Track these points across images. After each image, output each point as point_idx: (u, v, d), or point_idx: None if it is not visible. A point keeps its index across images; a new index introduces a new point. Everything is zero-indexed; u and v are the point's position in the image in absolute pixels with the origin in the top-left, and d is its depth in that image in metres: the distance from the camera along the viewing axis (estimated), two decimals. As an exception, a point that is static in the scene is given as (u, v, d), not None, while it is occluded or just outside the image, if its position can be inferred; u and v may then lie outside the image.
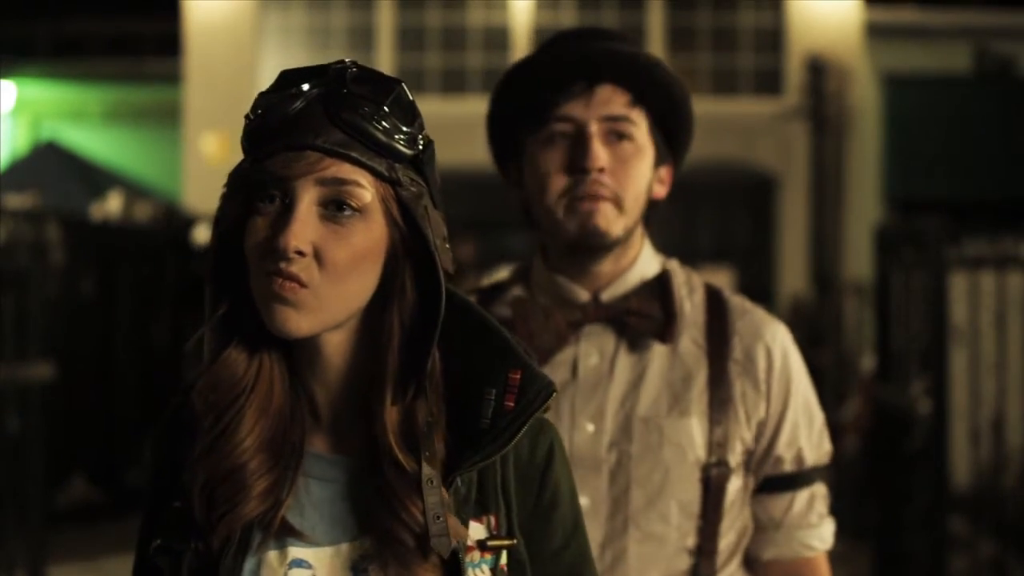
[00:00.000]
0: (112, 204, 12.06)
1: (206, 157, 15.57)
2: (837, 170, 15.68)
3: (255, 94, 1.53)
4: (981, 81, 15.92)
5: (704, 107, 15.42)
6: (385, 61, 15.79)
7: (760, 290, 15.56)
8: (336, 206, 1.44)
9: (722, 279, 15.56)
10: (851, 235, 15.15)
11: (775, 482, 2.16)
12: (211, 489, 1.48)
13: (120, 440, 10.91)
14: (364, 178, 1.45)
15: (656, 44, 15.75)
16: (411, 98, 1.51)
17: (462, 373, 1.53)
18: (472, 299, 2.10)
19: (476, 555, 1.49)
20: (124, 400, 11.07)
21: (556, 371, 2.12)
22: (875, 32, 15.64)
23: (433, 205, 1.52)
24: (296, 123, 1.44)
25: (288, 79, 1.48)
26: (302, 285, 1.43)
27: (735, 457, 2.13)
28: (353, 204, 1.45)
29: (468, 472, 1.49)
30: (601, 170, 2.10)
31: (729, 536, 2.15)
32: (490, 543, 1.50)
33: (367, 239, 1.46)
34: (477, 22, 15.84)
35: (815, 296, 15.01)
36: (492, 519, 1.51)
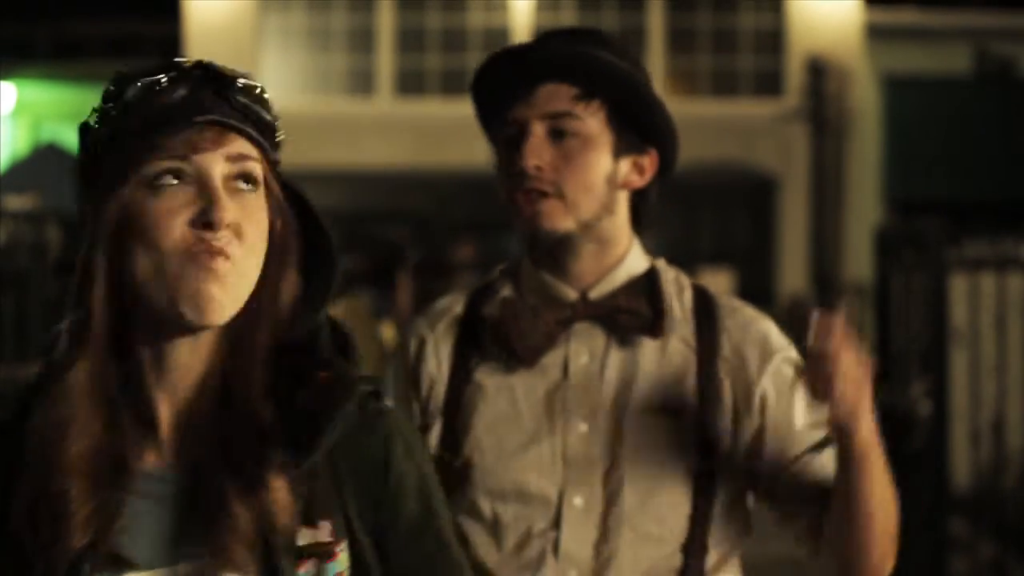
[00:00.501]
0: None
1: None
2: (837, 171, 15.71)
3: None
4: (981, 82, 15.94)
5: (704, 108, 15.55)
6: (385, 62, 15.82)
7: (760, 291, 15.57)
8: (242, 181, 1.44)
9: (722, 280, 15.56)
10: (851, 236, 15.17)
11: (810, 450, 2.16)
12: (32, 516, 1.39)
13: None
14: (256, 154, 1.46)
15: (656, 45, 15.79)
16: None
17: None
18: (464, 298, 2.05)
19: (308, 566, 1.43)
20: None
21: (547, 371, 2.13)
22: (875, 33, 15.66)
23: None
24: (192, 102, 1.43)
25: (150, 70, 1.46)
26: (226, 258, 1.41)
27: (727, 455, 2.13)
28: (255, 178, 1.45)
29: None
30: (538, 168, 2.12)
31: (722, 536, 2.15)
32: (304, 547, 1.43)
33: (264, 215, 1.46)
34: (477, 23, 15.85)
35: (815, 297, 15.04)
36: (328, 524, 1.45)
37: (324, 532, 1.45)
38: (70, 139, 17.27)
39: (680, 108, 13.48)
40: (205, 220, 1.39)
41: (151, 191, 1.42)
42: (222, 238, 1.40)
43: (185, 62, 1.47)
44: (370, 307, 6.08)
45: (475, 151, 17.72)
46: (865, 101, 15.81)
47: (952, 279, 6.66)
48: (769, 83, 15.86)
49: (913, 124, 15.69)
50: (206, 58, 1.51)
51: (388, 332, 6.17)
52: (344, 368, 1.49)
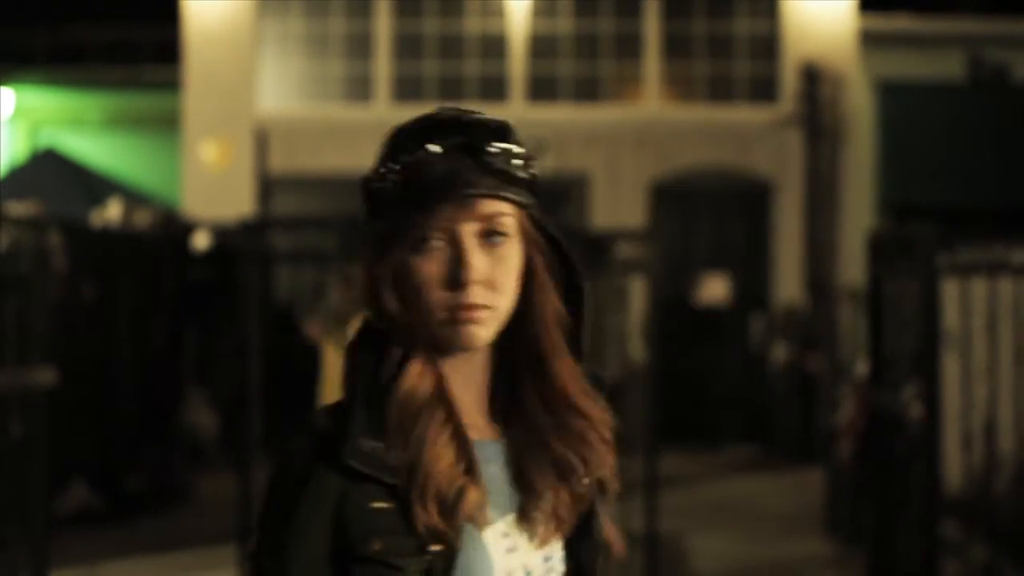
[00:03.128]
0: (112, 211, 12.11)
1: (205, 164, 15.64)
2: (832, 177, 15.75)
3: (254, 101, 1.69)
4: (975, 88, 15.99)
5: (700, 114, 15.64)
6: (383, 69, 15.86)
7: (756, 296, 15.64)
8: (491, 235, 1.73)
9: (718, 285, 15.64)
10: (846, 241, 15.21)
11: None
12: (428, 488, 1.69)
13: (119, 446, 10.96)
14: (509, 209, 1.74)
15: (652, 52, 15.83)
16: (514, 129, 1.78)
17: None
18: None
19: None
20: (123, 405, 11.11)
21: None
22: (869, 40, 15.72)
23: None
24: (451, 179, 1.70)
25: (418, 138, 1.73)
26: (483, 308, 1.73)
27: None
28: (503, 231, 1.74)
29: None
30: None
31: None
32: None
33: (516, 257, 1.76)
34: (474, 30, 15.89)
35: (810, 302, 15.10)
36: None
37: None
38: (69, 144, 17.25)
39: (676, 114, 13.67)
40: (455, 281, 1.71)
41: (419, 253, 1.73)
42: (473, 294, 1.72)
43: (446, 128, 1.74)
44: None
45: (472, 157, 17.80)
46: (859, 107, 15.86)
47: (943, 284, 6.72)
48: (764, 89, 15.89)
49: (907, 130, 15.72)
50: (447, 107, 1.79)
51: None
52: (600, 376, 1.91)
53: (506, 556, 1.75)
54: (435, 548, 1.69)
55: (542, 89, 15.87)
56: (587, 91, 15.95)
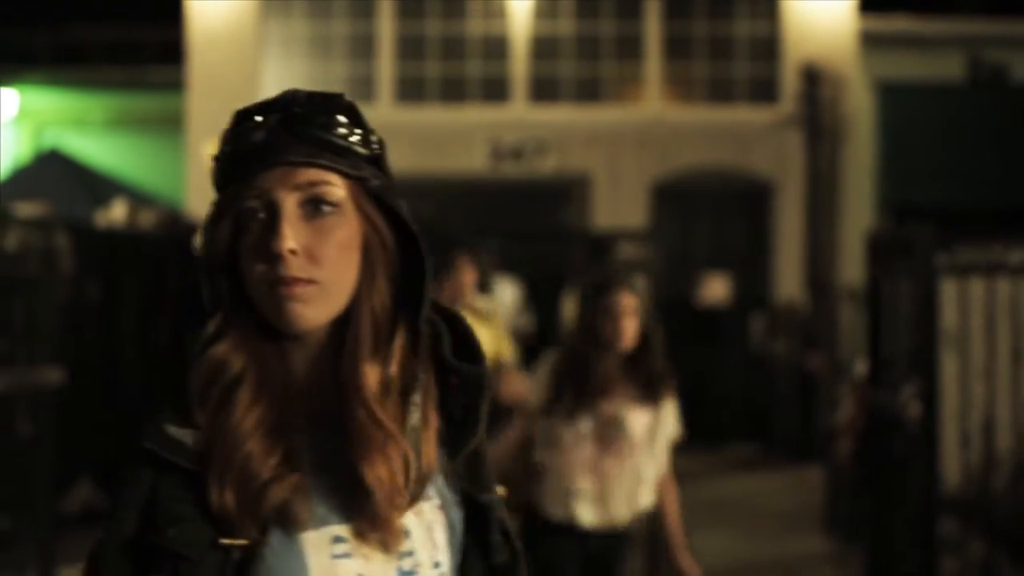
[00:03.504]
0: (117, 212, 12.17)
1: (209, 165, 15.69)
2: (832, 177, 15.79)
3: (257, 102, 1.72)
4: (974, 89, 16.04)
5: (701, 115, 15.68)
6: (385, 70, 15.90)
7: (756, 296, 15.69)
8: (314, 206, 1.63)
9: (719, 285, 15.68)
10: (846, 241, 15.24)
11: None
12: (228, 472, 1.59)
13: (123, 445, 10.99)
14: (333, 178, 1.64)
15: (653, 53, 15.86)
16: (355, 106, 1.70)
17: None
18: None
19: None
20: (127, 405, 11.16)
21: None
22: (869, 41, 15.76)
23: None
24: (266, 147, 1.64)
25: (243, 115, 1.68)
26: (305, 282, 1.61)
27: None
28: (329, 200, 1.64)
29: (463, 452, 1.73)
30: None
31: None
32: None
33: (346, 231, 1.65)
34: (476, 31, 15.93)
35: (810, 301, 15.13)
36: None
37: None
38: (72, 145, 17.17)
39: (677, 115, 13.75)
40: (267, 251, 1.62)
41: (240, 227, 1.66)
42: (292, 266, 1.61)
43: (273, 102, 1.68)
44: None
45: (473, 158, 17.88)
46: (859, 107, 15.91)
47: (942, 284, 6.76)
48: (765, 90, 15.93)
49: (907, 130, 15.76)
50: (291, 89, 1.72)
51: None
52: (469, 371, 1.73)
53: (332, 562, 1.61)
54: (231, 542, 1.58)
55: (544, 90, 15.90)
56: (588, 92, 15.98)
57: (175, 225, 12.91)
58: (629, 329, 5.01)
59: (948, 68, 15.99)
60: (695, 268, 15.74)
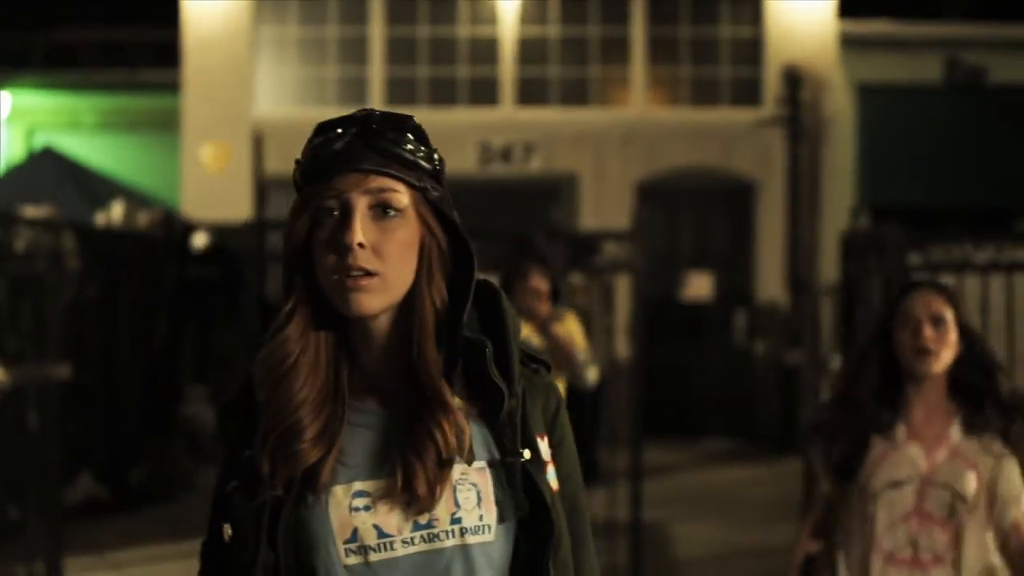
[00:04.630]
0: (115, 212, 12.35)
1: (204, 166, 15.84)
2: (813, 177, 15.97)
3: (251, 104, 2.00)
4: (952, 91, 16.21)
5: (685, 116, 15.88)
6: (377, 72, 16.02)
7: (739, 293, 15.89)
8: (382, 209, 1.89)
9: (704, 282, 15.88)
10: (826, 240, 15.37)
11: None
12: (270, 439, 1.88)
13: (124, 439, 11.23)
14: (400, 187, 1.90)
15: (639, 55, 16.00)
16: (422, 127, 1.98)
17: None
18: None
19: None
20: (127, 400, 11.38)
21: None
22: (849, 44, 15.94)
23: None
24: (344, 154, 1.90)
25: (326, 126, 1.94)
26: (368, 274, 1.87)
27: None
28: (394, 206, 1.90)
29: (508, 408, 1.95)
30: None
31: None
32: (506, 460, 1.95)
33: (407, 233, 1.90)
34: (465, 35, 16.07)
35: (791, 299, 15.34)
36: (543, 444, 1.99)
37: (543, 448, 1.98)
38: (65, 146, 17.09)
39: (662, 116, 14.04)
40: (339, 244, 1.88)
41: (317, 222, 1.92)
42: (359, 257, 1.87)
43: (352, 117, 1.95)
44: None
45: (464, 158, 18.05)
46: (840, 109, 16.10)
47: (913, 282, 6.97)
48: (748, 92, 16.08)
49: (886, 132, 15.96)
50: (367, 110, 1.98)
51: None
52: (476, 341, 1.95)
53: (352, 515, 1.88)
54: (265, 494, 1.87)
55: (531, 92, 16.05)
56: (575, 94, 16.14)
57: (171, 225, 13.11)
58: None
59: (927, 71, 16.15)
60: (680, 266, 15.94)
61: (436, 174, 1.96)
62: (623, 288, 9.75)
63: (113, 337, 11.26)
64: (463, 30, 16.10)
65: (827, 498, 3.79)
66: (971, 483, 3.60)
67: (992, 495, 3.62)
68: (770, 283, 15.81)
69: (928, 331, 3.64)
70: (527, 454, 1.94)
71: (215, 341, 13.17)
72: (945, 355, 3.66)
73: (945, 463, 3.63)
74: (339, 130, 1.92)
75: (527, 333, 5.69)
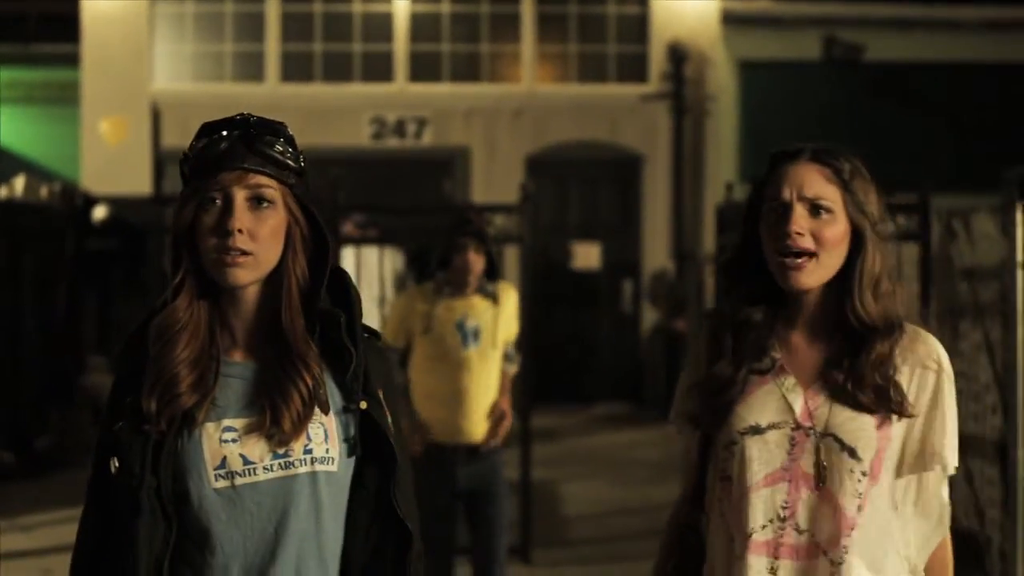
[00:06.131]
0: (17, 185, 12.45)
1: (103, 140, 15.93)
2: (697, 151, 16.44)
3: (148, 79, 2.40)
4: (830, 67, 16.68)
5: (573, 92, 16.30)
6: (273, 48, 16.18)
7: (626, 263, 16.28)
8: (257, 201, 2.28)
9: (592, 252, 16.27)
10: (709, 212, 15.65)
11: None
12: (156, 387, 2.26)
13: (27, 407, 11.42)
14: (273, 183, 2.30)
15: (528, 32, 16.34)
16: (290, 132, 2.36)
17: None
18: None
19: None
20: (30, 369, 11.54)
21: None
22: (731, 21, 16.38)
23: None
24: (228, 155, 2.28)
25: (210, 128, 2.32)
26: (244, 253, 2.25)
27: None
28: (268, 198, 2.29)
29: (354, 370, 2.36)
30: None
31: None
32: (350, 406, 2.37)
33: (277, 221, 2.29)
34: (359, 11, 16.26)
35: (677, 268, 15.78)
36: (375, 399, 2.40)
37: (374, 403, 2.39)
38: None
39: (551, 92, 14.52)
40: (221, 228, 2.27)
41: (203, 210, 2.30)
42: (238, 240, 2.26)
43: (234, 120, 2.34)
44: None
45: (358, 133, 18.19)
46: (722, 85, 16.53)
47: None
48: (634, 68, 16.44)
49: (767, 107, 16.42)
50: (246, 112, 2.37)
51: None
52: (330, 313, 2.38)
53: (222, 446, 2.26)
54: (150, 429, 2.23)
55: (424, 68, 16.30)
56: (466, 70, 16.41)
57: (71, 199, 13.22)
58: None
59: (806, 48, 16.57)
60: (569, 237, 16.31)
61: (301, 172, 2.34)
62: (512, 259, 10.11)
63: (16, 309, 11.41)
64: (357, 6, 16.28)
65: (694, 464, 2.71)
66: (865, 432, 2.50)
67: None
68: (656, 253, 16.21)
69: (799, 220, 2.52)
70: (366, 404, 2.36)
71: (116, 312, 13.34)
72: (826, 259, 2.52)
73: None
74: (223, 132, 2.30)
75: (464, 308, 6.03)
